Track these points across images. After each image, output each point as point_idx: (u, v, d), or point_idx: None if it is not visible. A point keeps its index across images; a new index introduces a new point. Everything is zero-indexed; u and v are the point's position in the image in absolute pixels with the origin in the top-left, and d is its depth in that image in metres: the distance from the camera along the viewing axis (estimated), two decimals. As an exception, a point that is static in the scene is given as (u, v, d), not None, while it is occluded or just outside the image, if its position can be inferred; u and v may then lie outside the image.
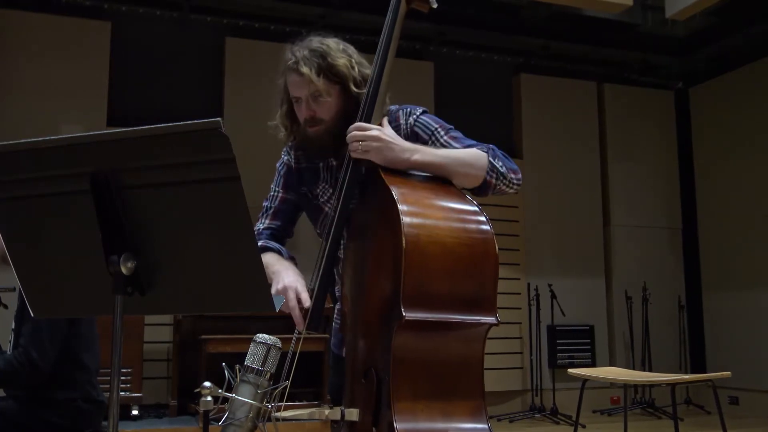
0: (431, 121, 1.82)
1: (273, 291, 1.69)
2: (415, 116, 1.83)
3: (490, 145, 1.76)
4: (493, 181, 1.71)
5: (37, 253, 1.45)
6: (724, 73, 7.04)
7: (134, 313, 1.42)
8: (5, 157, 1.36)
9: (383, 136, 1.67)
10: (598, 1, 5.65)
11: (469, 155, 1.71)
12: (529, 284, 6.58)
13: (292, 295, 1.67)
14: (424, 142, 1.77)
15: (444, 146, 1.76)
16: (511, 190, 1.76)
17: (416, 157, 1.67)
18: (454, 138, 1.78)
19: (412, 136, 1.79)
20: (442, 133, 1.79)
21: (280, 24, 6.05)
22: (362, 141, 1.66)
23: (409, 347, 1.51)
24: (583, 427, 5.63)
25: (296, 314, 1.67)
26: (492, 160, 1.71)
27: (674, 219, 7.38)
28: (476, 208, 1.64)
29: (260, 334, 1.60)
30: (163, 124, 1.27)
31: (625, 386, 4.14)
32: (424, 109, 1.87)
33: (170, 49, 6.07)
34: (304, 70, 1.73)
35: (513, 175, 1.74)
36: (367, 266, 1.68)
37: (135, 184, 1.33)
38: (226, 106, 6.00)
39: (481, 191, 1.74)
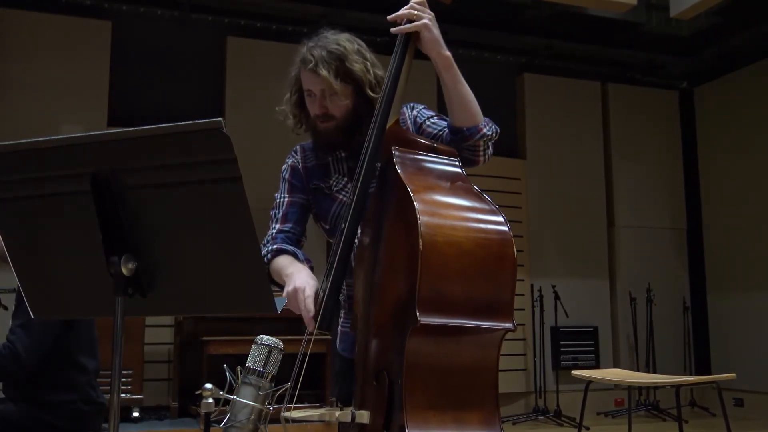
0: (428, 111, 1.98)
1: (284, 293, 1.71)
2: (418, 109, 1.96)
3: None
4: (484, 129, 1.79)
5: (37, 253, 1.45)
6: (729, 72, 7.01)
7: (135, 314, 1.41)
8: (5, 157, 1.35)
9: (433, 21, 1.79)
10: (602, 1, 5.62)
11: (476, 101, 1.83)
12: (532, 285, 6.55)
13: (301, 297, 1.65)
14: (420, 125, 1.90)
15: (437, 122, 1.89)
16: (480, 156, 1.82)
17: (449, 54, 1.80)
18: (441, 118, 1.93)
19: (414, 125, 1.91)
20: (436, 117, 1.94)
21: (281, 23, 6.04)
22: (418, 11, 1.77)
23: (422, 351, 1.47)
24: (587, 429, 5.60)
25: (306, 317, 1.63)
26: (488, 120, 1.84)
27: (679, 220, 7.35)
28: (494, 208, 1.61)
29: (262, 336, 1.59)
30: (163, 124, 1.26)
31: (629, 388, 4.12)
32: (424, 105, 2.00)
33: (171, 49, 6.05)
34: (323, 72, 1.79)
35: (491, 146, 1.84)
36: (380, 267, 1.64)
37: (136, 184, 1.32)
38: (227, 105, 5.98)
39: (462, 137, 1.79)
